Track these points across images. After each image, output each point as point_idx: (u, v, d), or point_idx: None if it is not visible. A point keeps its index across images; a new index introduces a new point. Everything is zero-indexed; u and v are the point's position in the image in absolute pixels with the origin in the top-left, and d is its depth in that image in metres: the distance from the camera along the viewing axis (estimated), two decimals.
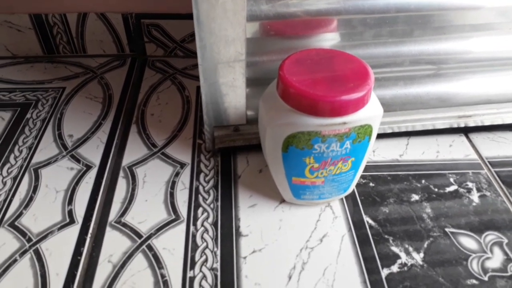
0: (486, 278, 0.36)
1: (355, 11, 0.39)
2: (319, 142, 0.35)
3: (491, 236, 0.39)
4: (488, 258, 0.37)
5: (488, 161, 0.47)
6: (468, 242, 0.39)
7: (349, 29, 0.42)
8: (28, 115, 0.52)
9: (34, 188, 0.43)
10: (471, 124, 0.48)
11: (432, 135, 0.50)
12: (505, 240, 0.39)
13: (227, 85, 0.41)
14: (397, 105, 0.47)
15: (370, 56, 0.44)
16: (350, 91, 0.33)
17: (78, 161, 0.46)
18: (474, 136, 0.50)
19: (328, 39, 0.42)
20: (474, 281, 0.35)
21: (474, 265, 0.37)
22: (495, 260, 0.37)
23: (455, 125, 0.48)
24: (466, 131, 0.50)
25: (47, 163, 0.46)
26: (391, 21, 0.42)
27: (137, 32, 0.61)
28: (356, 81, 0.34)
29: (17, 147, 0.48)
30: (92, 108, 0.54)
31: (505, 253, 0.38)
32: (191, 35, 0.61)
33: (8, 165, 0.46)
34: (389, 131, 0.47)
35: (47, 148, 0.48)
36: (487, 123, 0.49)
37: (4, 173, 0.45)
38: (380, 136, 0.48)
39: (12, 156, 0.47)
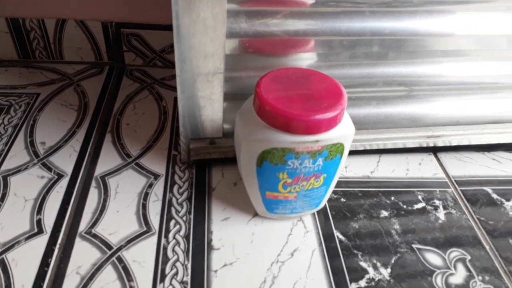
0: None
1: (332, 33, 0.41)
2: (293, 158, 0.36)
3: (455, 253, 0.40)
4: (451, 274, 0.39)
5: (455, 180, 0.49)
6: (433, 258, 0.40)
7: (325, 50, 0.43)
8: (0, 121, 0.51)
9: (2, 196, 0.42)
10: (440, 144, 0.50)
11: (403, 153, 0.51)
12: (468, 257, 0.40)
13: (205, 98, 0.42)
14: (369, 124, 0.48)
15: (345, 76, 0.45)
16: (323, 111, 0.34)
17: (49, 169, 0.46)
18: (442, 156, 0.52)
19: (305, 59, 0.43)
20: None
21: (438, 281, 0.38)
22: (458, 276, 0.39)
23: (425, 145, 0.50)
24: (435, 150, 0.52)
25: (17, 170, 0.45)
26: (366, 43, 0.43)
27: (117, 40, 0.61)
28: (329, 101, 0.35)
29: None
30: (66, 116, 0.53)
31: (468, 269, 0.39)
32: (170, 45, 0.62)
33: None
34: (361, 148, 0.49)
35: (17, 155, 0.47)
36: (454, 143, 0.51)
37: None
38: (353, 152, 0.49)
39: None
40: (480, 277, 0.39)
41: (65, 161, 0.47)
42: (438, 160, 0.51)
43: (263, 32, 0.39)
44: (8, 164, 0.46)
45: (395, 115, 0.49)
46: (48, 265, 0.37)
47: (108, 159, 0.47)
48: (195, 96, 0.41)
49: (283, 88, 0.36)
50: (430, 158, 0.51)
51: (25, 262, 0.37)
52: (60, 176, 0.45)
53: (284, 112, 0.34)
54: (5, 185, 0.43)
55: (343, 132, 0.36)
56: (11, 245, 0.38)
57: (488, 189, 0.48)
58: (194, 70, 0.39)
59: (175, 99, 0.58)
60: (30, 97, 0.56)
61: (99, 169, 0.46)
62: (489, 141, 0.51)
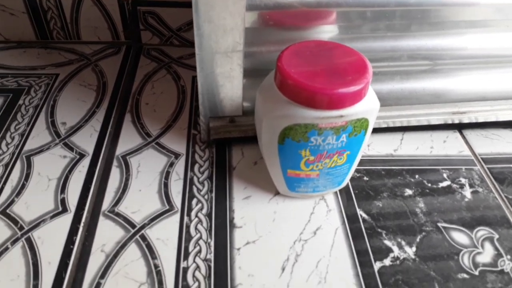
0: (476, 273, 0.36)
1: (355, 4, 0.39)
2: (316, 134, 0.35)
3: (482, 232, 0.39)
4: (479, 253, 0.38)
5: (481, 158, 0.47)
6: (459, 237, 0.39)
7: (348, 22, 0.41)
8: (21, 102, 0.52)
9: (26, 176, 0.43)
10: (465, 120, 0.49)
11: (427, 130, 0.50)
12: (496, 236, 0.39)
13: (224, 75, 0.41)
14: (393, 100, 0.47)
15: (368, 49, 0.44)
16: (348, 84, 0.33)
17: (71, 149, 0.46)
18: (468, 133, 0.50)
19: (327, 31, 0.42)
20: (465, 275, 0.36)
21: (465, 260, 0.37)
22: (486, 255, 0.38)
23: (450, 121, 0.49)
24: (460, 127, 0.51)
25: (40, 150, 0.46)
26: (390, 15, 0.42)
27: (133, 19, 0.60)
28: (354, 75, 0.34)
29: (9, 133, 0.47)
30: (86, 96, 0.53)
31: (496, 248, 0.38)
32: (187, 23, 0.61)
33: None
34: (384, 125, 0.47)
35: (39, 135, 0.47)
36: (481, 120, 0.49)
37: None
38: (375, 130, 0.48)
39: (4, 143, 0.46)
40: (508, 256, 0.38)
41: (86, 140, 0.47)
42: (464, 137, 0.50)
43: (284, 4, 0.38)
44: (31, 144, 0.46)
45: (419, 90, 0.47)
46: (73, 243, 0.37)
47: (128, 139, 0.47)
48: (214, 73, 0.40)
49: (305, 62, 0.35)
50: (455, 135, 0.50)
51: (51, 240, 0.37)
52: (82, 155, 0.45)
53: (307, 86, 0.32)
54: (29, 165, 0.44)
55: (368, 107, 0.35)
56: (36, 224, 0.39)
57: None
58: (213, 46, 0.38)
59: (193, 78, 0.57)
60: (49, 78, 0.56)
61: (120, 149, 0.46)
62: None
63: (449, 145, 0.48)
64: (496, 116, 0.49)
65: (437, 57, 0.48)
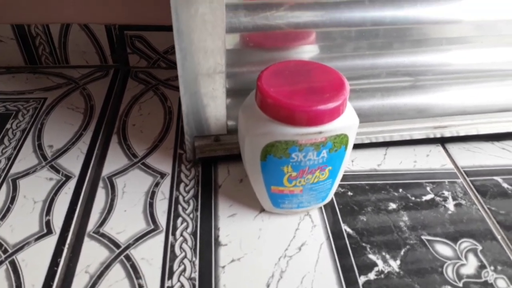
0: (460, 284, 0.36)
1: (332, 24, 0.40)
2: (296, 151, 0.36)
3: (466, 243, 0.40)
4: (462, 265, 0.38)
5: (464, 171, 0.48)
6: (443, 249, 0.39)
7: (327, 42, 0.43)
8: (8, 126, 0.52)
9: (12, 199, 0.43)
10: (447, 134, 0.50)
11: (410, 145, 0.51)
12: (480, 247, 0.39)
13: (208, 95, 0.42)
14: (375, 116, 0.48)
15: (348, 68, 0.45)
16: (325, 101, 0.34)
17: (57, 171, 0.46)
18: (450, 146, 0.51)
19: (307, 51, 0.43)
20: (449, 287, 0.36)
21: (449, 272, 0.37)
22: (470, 266, 0.38)
23: (432, 135, 0.49)
24: (442, 141, 0.52)
25: (26, 173, 0.46)
26: (368, 34, 0.43)
27: (120, 43, 0.61)
28: (332, 92, 0.35)
29: None
30: (73, 119, 0.54)
31: (479, 260, 0.38)
32: (173, 46, 0.62)
33: None
34: (367, 141, 0.48)
35: (26, 158, 0.48)
36: (462, 133, 0.50)
37: None
38: (359, 146, 0.49)
39: None
40: (492, 267, 0.38)
41: (72, 163, 0.47)
42: (446, 151, 0.50)
43: (263, 26, 0.39)
44: (17, 167, 0.46)
45: (401, 106, 0.48)
46: (57, 265, 0.37)
47: (115, 160, 0.48)
48: (197, 93, 0.41)
49: (284, 81, 0.36)
50: (438, 149, 0.51)
51: (35, 263, 0.37)
52: (68, 177, 0.45)
53: (286, 104, 0.33)
54: (14, 188, 0.44)
55: (347, 123, 0.36)
56: (21, 246, 0.38)
57: (499, 178, 0.47)
58: (196, 67, 0.39)
59: (180, 99, 0.58)
60: (37, 102, 0.56)
61: (106, 170, 0.46)
62: (498, 130, 0.50)
63: (432, 159, 0.49)
64: (477, 129, 0.50)
65: (417, 73, 0.49)
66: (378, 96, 0.47)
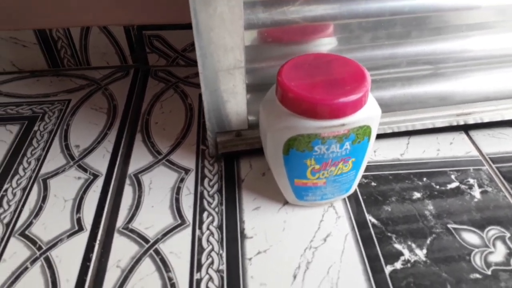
0: (489, 272, 0.36)
1: (350, 16, 0.40)
2: (319, 144, 0.36)
3: (493, 231, 0.39)
4: (491, 253, 0.38)
5: (489, 157, 0.47)
6: (470, 237, 0.39)
7: (345, 33, 0.42)
8: (36, 128, 0.54)
9: (43, 198, 0.44)
10: (471, 121, 0.49)
11: (433, 133, 0.50)
12: (508, 234, 0.39)
13: (228, 92, 0.42)
14: (396, 105, 0.48)
15: (368, 58, 0.45)
16: (347, 94, 0.34)
17: (85, 170, 0.48)
18: (474, 133, 0.50)
19: (326, 44, 0.43)
20: (478, 275, 0.36)
21: (477, 260, 0.37)
22: (498, 254, 0.38)
23: (455, 123, 0.49)
24: (466, 128, 0.51)
25: (55, 173, 0.47)
26: (386, 24, 0.43)
27: (139, 43, 0.62)
28: (353, 84, 0.35)
29: (25, 158, 0.49)
30: (97, 119, 0.55)
31: (508, 247, 0.38)
32: (191, 44, 0.63)
33: (17, 177, 0.47)
34: (389, 131, 0.48)
35: (54, 159, 0.49)
36: (486, 120, 0.49)
37: (14, 184, 0.46)
38: (381, 136, 0.49)
39: (21, 168, 0.48)
40: None
41: (99, 161, 0.49)
42: (470, 138, 0.50)
43: (280, 21, 0.39)
44: (47, 167, 0.48)
45: (422, 94, 0.48)
46: (90, 260, 0.39)
47: (140, 158, 0.49)
48: (218, 90, 0.42)
49: (304, 74, 0.36)
50: (461, 136, 0.50)
51: (68, 258, 0.39)
52: (95, 176, 0.47)
53: (307, 97, 0.34)
54: (45, 188, 0.46)
55: (369, 114, 0.36)
56: (54, 243, 0.40)
57: None
58: (216, 65, 0.39)
59: (200, 95, 0.59)
60: (62, 104, 0.58)
61: (132, 167, 0.48)
62: None
63: (456, 147, 0.49)
64: (501, 115, 0.49)
65: (438, 61, 0.49)
66: (398, 86, 0.47)
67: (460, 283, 0.35)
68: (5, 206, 0.44)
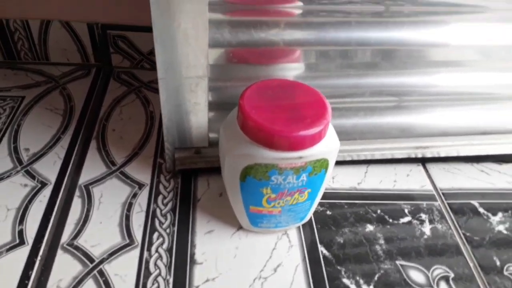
0: None
1: (317, 43, 0.40)
2: (276, 174, 0.35)
3: (438, 270, 0.40)
4: None
5: (442, 193, 0.48)
6: (417, 276, 0.40)
7: (311, 60, 0.42)
8: None
9: None
10: (428, 155, 0.50)
11: (391, 163, 0.51)
12: (452, 275, 0.40)
13: (189, 108, 0.41)
14: (357, 134, 0.48)
15: (332, 86, 0.45)
16: (307, 127, 0.33)
17: (33, 177, 0.45)
18: (431, 166, 0.52)
19: (292, 69, 0.43)
20: None
21: None
22: None
23: (413, 155, 0.50)
24: (423, 161, 0.52)
25: (0, 178, 0.45)
26: (353, 54, 0.43)
27: (103, 42, 0.60)
28: (313, 116, 0.34)
29: None
30: (51, 121, 0.52)
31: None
32: None
33: None
34: (349, 158, 0.48)
35: (0, 162, 0.46)
36: (443, 154, 0.50)
37: None
38: (340, 163, 0.49)
39: None
40: None
41: (49, 168, 0.46)
42: (427, 171, 0.51)
43: (247, 42, 0.38)
44: None
45: (384, 125, 0.48)
46: (28, 278, 0.36)
47: (92, 167, 0.47)
48: (179, 105, 0.40)
49: (266, 101, 0.35)
50: (418, 169, 0.51)
51: (5, 275, 0.36)
52: (43, 184, 0.44)
53: (266, 128, 0.33)
54: None
55: (328, 148, 0.35)
56: None
57: (475, 202, 0.47)
58: (177, 80, 0.38)
59: None
60: (14, 101, 0.55)
61: (84, 178, 0.46)
62: (478, 152, 0.51)
63: (412, 179, 0.50)
64: (457, 151, 0.50)
65: (402, 93, 0.49)
66: (361, 115, 0.47)
67: None
68: None
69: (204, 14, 0.34)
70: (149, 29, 0.58)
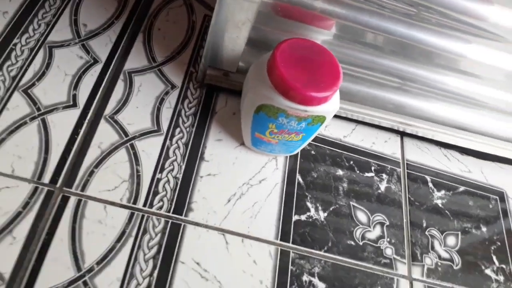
0: (361, 243, 0.50)
1: (351, 20, 0.47)
2: (283, 116, 0.45)
3: (378, 217, 0.53)
4: (369, 231, 0.52)
5: (407, 163, 0.60)
6: (361, 216, 0.52)
7: (341, 33, 0.49)
8: None
9: (47, 65, 0.51)
10: (408, 131, 0.60)
11: (376, 128, 0.61)
12: (387, 223, 0.53)
13: (231, 39, 0.49)
14: (358, 98, 0.57)
15: (351, 55, 0.52)
16: (319, 90, 0.42)
17: (87, 52, 0.54)
18: (406, 140, 0.62)
19: (324, 34, 0.50)
20: (352, 243, 0.50)
21: (357, 233, 0.51)
22: (373, 233, 0.52)
23: (395, 128, 0.60)
24: (402, 134, 0.62)
25: (61, 45, 0.53)
26: (376, 38, 0.50)
27: None
28: (327, 82, 0.43)
29: (36, 19, 0.54)
30: (108, 3, 0.59)
31: (382, 231, 0.52)
32: None
33: (26, 35, 0.52)
34: (344, 115, 0.58)
35: (62, 30, 0.54)
36: (420, 134, 0.60)
37: (23, 41, 0.52)
38: (336, 116, 0.59)
39: (31, 28, 0.53)
40: (388, 239, 0.52)
41: (101, 48, 0.55)
42: (402, 143, 0.61)
43: (295, 1, 0.45)
44: (54, 36, 0.54)
45: (382, 98, 0.57)
46: (77, 134, 0.48)
47: (137, 58, 0.56)
48: (223, 35, 0.48)
49: (295, 58, 0.43)
50: (396, 139, 0.61)
51: (61, 126, 0.47)
52: (95, 61, 0.53)
53: (288, 82, 0.42)
54: (50, 55, 0.52)
55: (329, 109, 0.45)
56: (51, 109, 0.48)
57: (428, 178, 0.59)
58: (229, 16, 0.46)
59: (205, 16, 0.64)
60: None
61: (128, 65, 0.55)
62: (448, 140, 0.61)
63: (387, 145, 0.60)
64: (432, 135, 0.60)
65: (407, 79, 0.57)
66: (367, 85, 0.56)
67: (338, 243, 0.49)
68: (13, 60, 0.50)
69: None
70: None
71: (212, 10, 0.57)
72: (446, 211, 0.57)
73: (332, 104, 0.45)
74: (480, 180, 0.61)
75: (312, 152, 0.56)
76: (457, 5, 0.47)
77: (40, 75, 0.50)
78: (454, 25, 0.48)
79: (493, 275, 0.53)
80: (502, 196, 0.61)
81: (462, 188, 0.60)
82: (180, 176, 0.48)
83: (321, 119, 0.46)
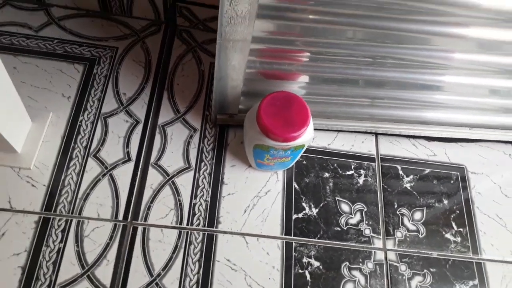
0: (345, 228, 0.69)
1: (322, 72, 0.64)
2: (273, 150, 0.64)
3: (358, 205, 0.71)
4: (351, 218, 0.70)
5: (381, 157, 0.76)
6: (345, 207, 0.71)
7: (312, 80, 0.66)
8: (95, 71, 0.77)
9: (105, 132, 0.72)
10: (380, 131, 0.76)
11: (354, 133, 0.78)
12: (365, 209, 0.71)
13: (230, 93, 0.67)
14: (334, 115, 0.74)
15: (324, 89, 0.69)
16: (295, 130, 0.60)
17: (130, 115, 0.74)
18: (380, 138, 0.78)
19: (297, 82, 0.67)
20: (338, 228, 0.69)
21: (342, 220, 0.70)
22: (354, 219, 0.70)
23: (369, 131, 0.76)
24: (376, 134, 0.78)
25: (111, 114, 0.74)
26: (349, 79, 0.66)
27: (172, 8, 0.81)
28: (299, 122, 0.61)
29: (90, 97, 0.75)
30: (137, 71, 0.78)
31: (362, 216, 0.70)
32: (211, 17, 0.82)
33: (87, 112, 0.73)
34: (326, 128, 0.75)
35: (110, 102, 0.75)
36: (389, 132, 0.76)
37: (85, 117, 0.73)
38: (320, 130, 0.76)
39: (88, 105, 0.74)
40: (366, 222, 0.70)
41: (139, 110, 0.75)
42: (377, 141, 0.78)
43: (270, 69, 0.63)
44: (105, 108, 0.74)
45: (354, 113, 0.74)
46: (135, 181, 0.69)
47: (166, 113, 0.75)
48: (224, 93, 0.66)
49: (275, 108, 0.61)
50: (371, 138, 0.78)
51: (123, 177, 0.69)
52: (137, 122, 0.74)
53: (271, 129, 0.60)
54: (105, 124, 0.73)
55: (305, 140, 0.63)
56: (114, 166, 0.69)
57: (399, 166, 0.76)
58: (226, 83, 0.64)
59: (211, 64, 0.81)
60: (112, 51, 0.80)
61: (160, 120, 0.74)
62: (414, 133, 0.77)
63: (364, 145, 0.77)
64: (399, 131, 0.76)
65: (375, 97, 0.73)
66: (339, 105, 0.72)
67: (327, 231, 0.69)
68: (82, 133, 0.71)
69: (245, 56, 0.58)
70: (206, 6, 0.80)
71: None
72: (414, 192, 0.74)
73: (307, 135, 0.63)
74: (444, 160, 0.77)
75: (304, 162, 0.74)
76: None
77: (102, 141, 0.71)
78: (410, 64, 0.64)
79: (451, 238, 0.70)
80: (462, 171, 0.77)
81: (427, 170, 0.76)
82: (208, 199, 0.69)
83: (301, 146, 0.64)
